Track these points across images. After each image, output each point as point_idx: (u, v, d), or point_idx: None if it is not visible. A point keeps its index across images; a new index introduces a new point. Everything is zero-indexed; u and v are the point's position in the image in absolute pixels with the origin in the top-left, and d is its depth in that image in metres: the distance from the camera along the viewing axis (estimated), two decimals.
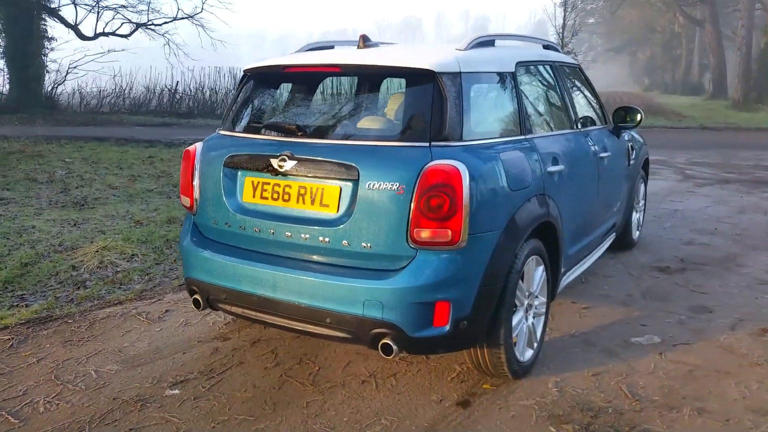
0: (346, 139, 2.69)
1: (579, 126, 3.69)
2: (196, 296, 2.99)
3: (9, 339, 3.47)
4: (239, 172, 2.88)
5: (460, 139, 2.58)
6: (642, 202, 5.34)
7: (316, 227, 2.64)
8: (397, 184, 2.48)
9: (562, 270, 3.37)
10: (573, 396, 2.82)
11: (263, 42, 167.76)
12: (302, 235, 2.67)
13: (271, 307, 2.72)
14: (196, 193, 3.02)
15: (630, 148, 4.63)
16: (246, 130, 2.99)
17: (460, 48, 2.91)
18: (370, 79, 2.87)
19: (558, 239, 3.16)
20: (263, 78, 3.08)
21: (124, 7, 21.25)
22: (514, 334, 2.84)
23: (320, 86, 3.00)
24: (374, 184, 2.52)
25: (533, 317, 3.05)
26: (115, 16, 21.64)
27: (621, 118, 4.33)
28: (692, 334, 3.50)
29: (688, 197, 7.56)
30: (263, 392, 2.90)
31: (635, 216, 5.14)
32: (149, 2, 21.34)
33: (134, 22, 21.71)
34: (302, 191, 2.69)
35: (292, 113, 2.98)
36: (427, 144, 2.52)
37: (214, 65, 21.41)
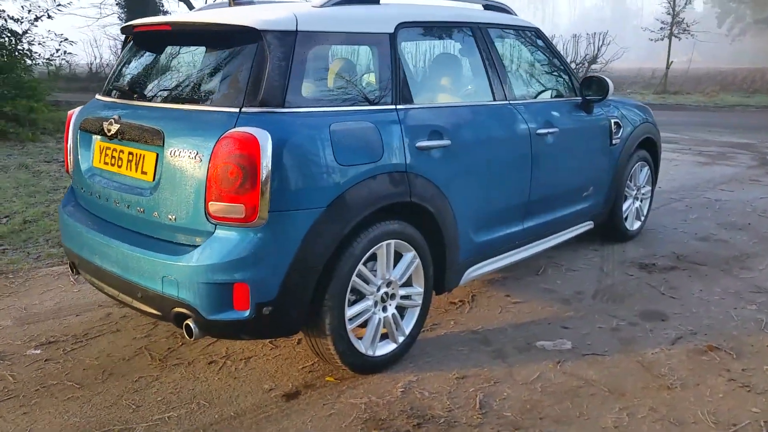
0: (162, 102, 2.52)
1: (506, 98, 3.24)
2: (70, 261, 2.98)
3: None
4: (93, 136, 2.81)
5: (281, 106, 2.31)
6: (647, 189, 4.69)
7: (135, 196, 2.52)
8: (196, 152, 2.28)
9: (460, 258, 3.00)
10: (414, 399, 2.52)
11: None
12: (126, 204, 2.56)
13: (103, 277, 2.64)
14: (69, 157, 2.99)
15: (613, 125, 4.05)
16: (104, 93, 2.90)
17: (316, 5, 2.62)
18: (200, 39, 2.65)
19: (439, 224, 2.81)
20: (129, 39, 2.96)
21: None
22: (352, 325, 2.56)
23: (165, 47, 2.82)
24: (176, 151, 2.34)
25: (395, 308, 2.74)
26: None
27: (590, 90, 3.78)
28: (617, 344, 3.01)
29: (746, 186, 6.60)
30: (110, 362, 2.85)
31: (631, 204, 4.53)
32: None
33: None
34: (130, 157, 2.57)
35: (133, 75, 2.85)
36: (237, 109, 2.29)
37: None
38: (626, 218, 4.51)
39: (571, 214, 3.86)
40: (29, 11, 10.68)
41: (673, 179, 6.86)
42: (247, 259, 2.24)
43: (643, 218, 4.72)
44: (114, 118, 2.57)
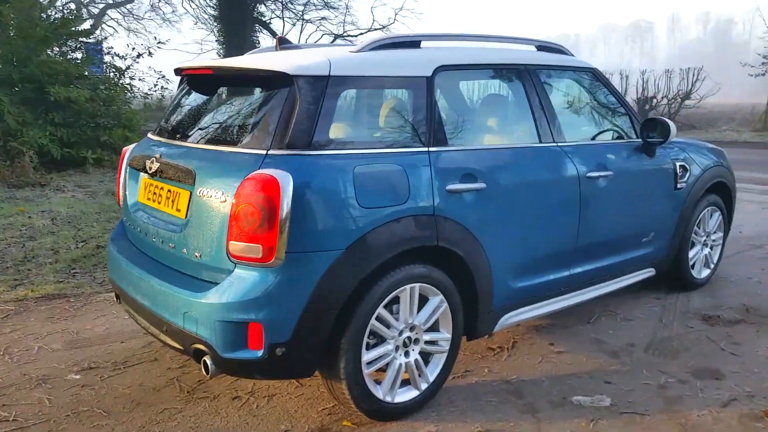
0: (198, 143, 2.61)
1: (554, 140, 3.13)
2: (114, 292, 3.11)
3: (9, 310, 3.93)
4: (139, 173, 2.94)
5: (307, 148, 2.34)
6: (718, 235, 4.38)
7: (168, 232, 2.60)
8: (222, 192, 2.34)
9: (494, 305, 2.90)
10: None
11: None
12: (161, 239, 2.65)
13: (138, 309, 2.74)
14: (120, 191, 3.15)
15: (678, 169, 3.83)
16: (155, 132, 3.05)
17: (353, 50, 2.65)
18: (238, 83, 2.73)
19: (470, 269, 2.73)
20: (180, 81, 3.10)
21: (324, 19, 22.88)
22: (370, 369, 2.51)
23: (208, 90, 2.93)
24: (205, 191, 2.41)
25: (419, 353, 2.67)
26: (318, 28, 23.38)
27: (652, 133, 3.59)
28: (661, 403, 2.79)
29: None
30: (141, 391, 2.92)
31: (699, 251, 4.24)
32: (346, 14, 22.69)
33: (333, 33, 23.24)
34: (168, 194, 2.67)
35: (180, 115, 2.96)
36: (264, 152, 2.33)
37: None
38: (693, 266, 4.23)
39: (628, 261, 3.65)
40: (133, 48, 11.51)
41: (758, 224, 6.38)
42: (262, 299, 2.25)
43: (713, 266, 4.40)
44: (156, 157, 2.69)
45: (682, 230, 3.96)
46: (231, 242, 2.28)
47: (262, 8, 22.79)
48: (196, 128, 2.75)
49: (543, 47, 3.41)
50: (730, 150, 5.37)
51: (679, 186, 3.84)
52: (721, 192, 4.33)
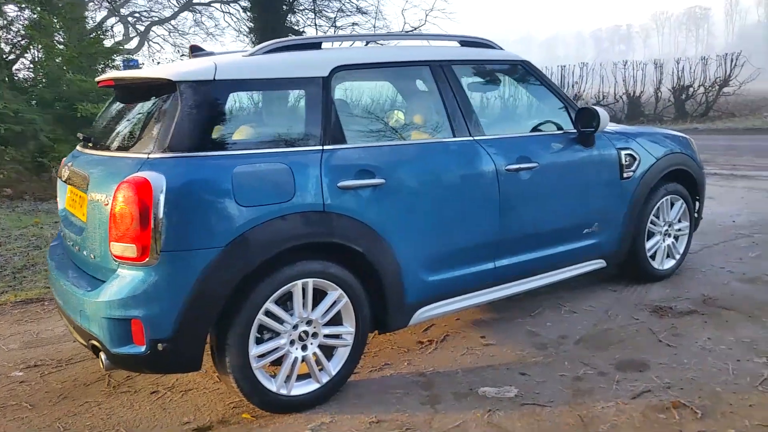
0: (97, 149, 2.75)
1: (470, 134, 3.13)
2: None
3: None
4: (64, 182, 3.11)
5: (187, 151, 2.44)
6: (683, 225, 4.25)
7: (75, 235, 2.75)
8: (105, 195, 2.46)
9: (407, 298, 2.92)
10: None
11: (531, 44, 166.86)
12: (72, 242, 2.80)
13: (60, 311, 2.89)
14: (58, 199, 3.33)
15: (624, 158, 3.75)
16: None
17: (247, 53, 2.74)
18: (138, 92, 2.84)
19: (373, 264, 2.77)
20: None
21: (356, 24, 23.09)
22: (261, 362, 2.58)
23: (116, 100, 3.06)
24: (94, 195, 2.54)
25: (319, 347, 2.73)
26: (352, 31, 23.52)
27: (586, 122, 3.53)
28: (568, 395, 2.76)
29: None
30: (71, 386, 3.08)
31: (659, 241, 4.13)
32: (376, 18, 22.82)
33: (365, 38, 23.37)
34: (77, 199, 2.82)
35: (96, 124, 3.11)
36: (146, 155, 2.45)
37: None
38: (653, 257, 4.12)
39: (568, 253, 3.60)
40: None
41: (755, 213, 6.13)
42: (141, 297, 2.36)
43: (678, 257, 4.27)
44: (68, 165, 2.85)
45: (634, 220, 3.87)
46: (111, 243, 2.40)
47: (296, 18, 23.24)
48: (101, 136, 2.89)
49: (467, 42, 3.41)
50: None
51: (626, 175, 3.76)
52: (684, 181, 4.20)
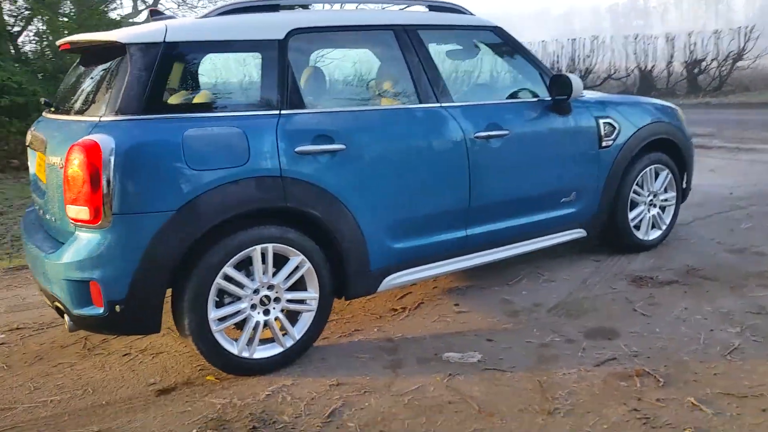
0: (55, 113, 2.75)
1: (437, 100, 3.09)
2: None
3: None
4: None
5: (137, 114, 2.43)
6: (669, 195, 4.19)
7: (41, 199, 2.78)
8: (60, 158, 2.47)
9: (371, 265, 2.92)
10: (272, 404, 2.49)
11: (547, 18, 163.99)
12: (38, 206, 2.83)
13: (32, 276, 2.93)
14: None
15: (603, 126, 3.69)
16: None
17: (200, 15, 2.72)
18: (94, 55, 2.83)
19: (331, 230, 2.76)
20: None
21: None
22: (222, 325, 2.60)
23: (74, 64, 3.05)
24: (51, 158, 2.56)
25: (282, 312, 2.74)
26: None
27: (560, 89, 3.47)
28: (532, 361, 2.75)
29: None
30: (48, 348, 3.13)
31: (644, 212, 4.07)
32: None
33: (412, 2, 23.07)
34: (41, 162, 2.83)
35: (60, 91, 3.11)
36: (97, 118, 2.45)
37: None
38: (638, 227, 4.07)
39: (545, 221, 3.57)
40: None
41: (755, 185, 6.02)
42: (96, 259, 2.38)
43: (665, 227, 4.22)
44: (32, 130, 2.86)
45: (614, 190, 3.82)
46: (67, 205, 2.41)
47: None
48: (62, 101, 2.90)
49: (435, 7, 3.35)
50: None
51: (604, 144, 3.70)
52: (670, 151, 4.13)
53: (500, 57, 3.57)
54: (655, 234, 4.18)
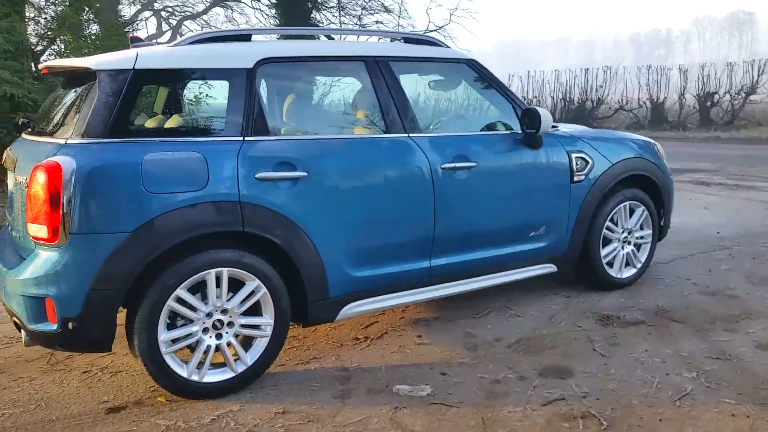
0: (29, 134, 2.84)
1: (405, 131, 3.15)
2: None
3: None
4: None
5: (102, 137, 2.52)
6: (645, 233, 4.19)
7: (9, 216, 2.86)
8: (25, 178, 2.56)
9: (330, 292, 2.96)
10: (213, 428, 2.53)
11: (568, 46, 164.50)
12: (7, 223, 2.91)
13: None
14: None
15: (575, 161, 3.72)
16: None
17: (172, 43, 2.81)
18: (70, 80, 2.93)
19: (291, 256, 2.81)
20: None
21: (380, 22, 23.11)
22: (172, 348, 2.65)
23: (60, 88, 3.15)
24: (18, 177, 2.65)
25: (236, 337, 2.78)
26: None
27: (530, 123, 3.51)
28: (480, 397, 2.76)
29: None
30: (14, 362, 3.20)
31: (617, 249, 4.08)
32: (400, 16, 22.83)
33: (389, 35, 23.39)
34: (11, 181, 2.92)
35: (41, 113, 3.21)
36: (64, 141, 2.53)
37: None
38: (611, 264, 4.08)
39: (512, 255, 3.59)
40: None
41: (745, 225, 5.99)
42: (52, 277, 2.45)
43: (639, 265, 4.22)
44: (8, 150, 2.96)
45: (586, 225, 3.84)
46: (28, 223, 2.49)
47: (322, 15, 23.31)
48: (39, 122, 2.99)
49: (412, 40, 3.42)
50: None
51: (576, 179, 3.73)
52: (647, 187, 4.14)
53: (475, 90, 3.63)
54: (629, 272, 4.18)
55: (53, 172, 2.40)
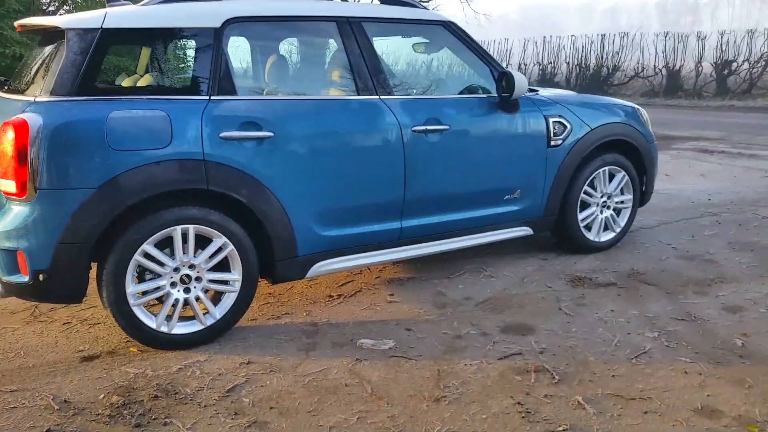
0: (8, 92, 2.92)
1: (376, 93, 3.19)
2: None
3: None
4: None
5: (69, 95, 2.59)
6: (625, 197, 4.21)
7: None
8: None
9: (299, 251, 3.04)
10: (180, 377, 2.64)
11: (591, 13, 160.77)
12: None
13: None
14: None
15: (552, 125, 3.73)
16: None
17: (143, 3, 2.86)
18: (45, 38, 2.98)
19: (257, 215, 2.89)
20: None
21: None
22: (140, 300, 2.75)
23: (38, 45, 3.22)
24: None
25: (201, 291, 2.88)
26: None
27: (505, 87, 3.52)
28: (439, 351, 2.85)
29: None
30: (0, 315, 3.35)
31: (595, 213, 4.10)
32: None
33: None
34: None
35: (16, 69, 3.28)
36: (33, 98, 2.62)
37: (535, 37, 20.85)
38: (589, 228, 4.11)
39: (485, 218, 3.64)
40: None
41: (738, 192, 5.95)
42: (21, 230, 2.56)
43: (618, 230, 4.24)
44: None
45: (563, 189, 3.86)
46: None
47: None
48: (15, 80, 3.07)
49: (387, 0, 3.42)
50: None
51: (553, 143, 3.74)
52: (628, 152, 4.14)
53: (452, 52, 3.63)
54: (607, 236, 4.20)
55: (20, 128, 2.49)
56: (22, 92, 2.78)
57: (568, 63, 19.86)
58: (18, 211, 2.58)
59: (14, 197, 2.56)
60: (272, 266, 3.02)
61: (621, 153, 4.11)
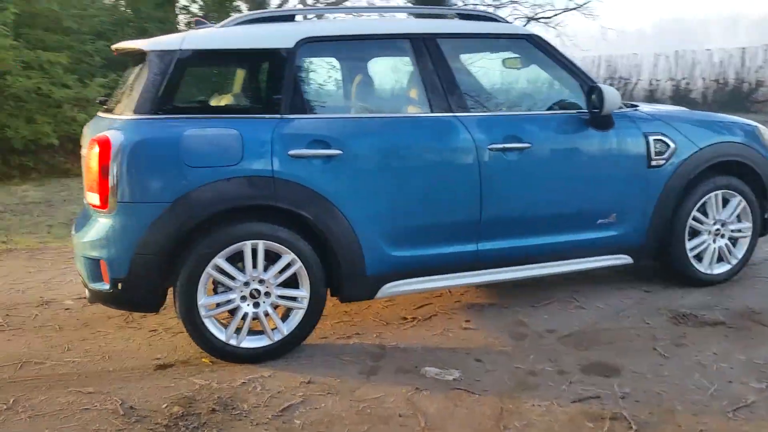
0: (105, 112, 3.12)
1: (451, 110, 3.08)
2: None
3: None
4: None
5: (149, 114, 2.73)
6: (743, 225, 3.76)
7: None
8: (86, 150, 2.85)
9: (367, 271, 2.99)
10: (242, 391, 2.66)
11: (737, 25, 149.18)
12: None
13: None
14: None
15: (653, 144, 3.42)
16: None
17: (219, 26, 2.98)
18: (134, 60, 3.14)
19: (324, 232, 2.88)
20: None
21: (516, 2, 22.40)
22: (212, 312, 2.82)
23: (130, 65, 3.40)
24: (83, 150, 2.95)
25: (270, 306, 2.90)
26: (511, 13, 22.97)
27: (594, 102, 3.27)
28: (508, 388, 2.66)
29: None
30: (97, 318, 3.57)
31: (707, 242, 3.70)
32: None
33: (527, 16, 22.70)
34: None
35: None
36: (117, 117, 2.79)
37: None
38: (700, 258, 3.71)
39: (575, 243, 3.39)
40: None
41: None
42: (103, 241, 2.73)
43: (735, 262, 3.79)
44: (84, 127, 3.29)
45: (666, 214, 3.52)
46: (86, 192, 2.77)
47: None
48: (111, 100, 3.28)
49: (465, 16, 3.31)
50: None
51: (654, 163, 3.43)
52: (746, 175, 3.71)
53: (539, 67, 3.44)
54: (721, 268, 3.77)
55: (104, 145, 2.65)
56: (111, 111, 2.96)
57: (704, 78, 18.43)
58: (101, 222, 2.74)
59: (98, 209, 2.72)
60: (340, 285, 2.98)
61: (738, 176, 3.68)
